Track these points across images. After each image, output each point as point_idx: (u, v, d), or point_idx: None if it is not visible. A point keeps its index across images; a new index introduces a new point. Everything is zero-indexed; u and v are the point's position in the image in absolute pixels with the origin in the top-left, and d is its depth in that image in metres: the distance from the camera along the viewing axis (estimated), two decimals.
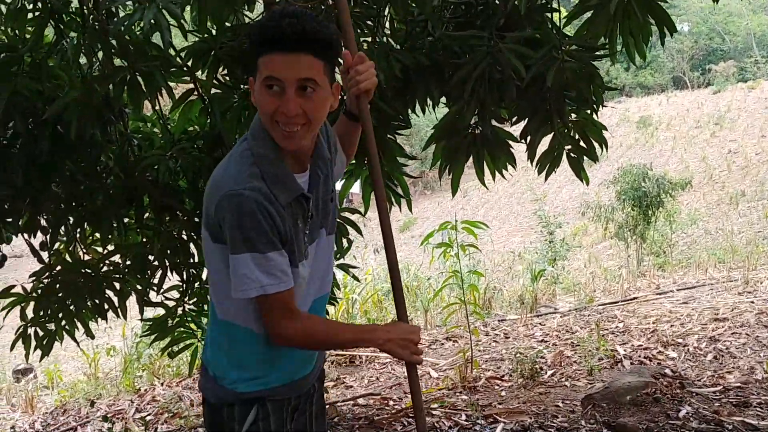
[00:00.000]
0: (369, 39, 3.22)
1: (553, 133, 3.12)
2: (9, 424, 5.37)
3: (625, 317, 6.82)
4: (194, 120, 3.34)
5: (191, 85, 3.13)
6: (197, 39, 3.05)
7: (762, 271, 8.80)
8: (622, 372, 4.90)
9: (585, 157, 3.21)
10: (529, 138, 3.14)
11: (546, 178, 3.36)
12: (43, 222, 3.49)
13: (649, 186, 12.67)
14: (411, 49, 3.06)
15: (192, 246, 3.50)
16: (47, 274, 3.49)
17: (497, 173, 3.23)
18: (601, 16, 2.78)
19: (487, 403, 4.55)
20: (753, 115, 30.68)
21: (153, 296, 3.62)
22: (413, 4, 3.12)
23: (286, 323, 1.63)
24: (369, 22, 3.25)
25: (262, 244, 1.54)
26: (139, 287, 3.57)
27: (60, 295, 3.46)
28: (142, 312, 3.68)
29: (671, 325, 6.24)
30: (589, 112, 3.14)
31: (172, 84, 3.01)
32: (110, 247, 3.62)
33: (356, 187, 3.55)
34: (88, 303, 3.48)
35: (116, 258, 3.60)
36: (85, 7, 3.06)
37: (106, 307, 3.52)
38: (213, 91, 3.13)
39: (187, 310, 3.63)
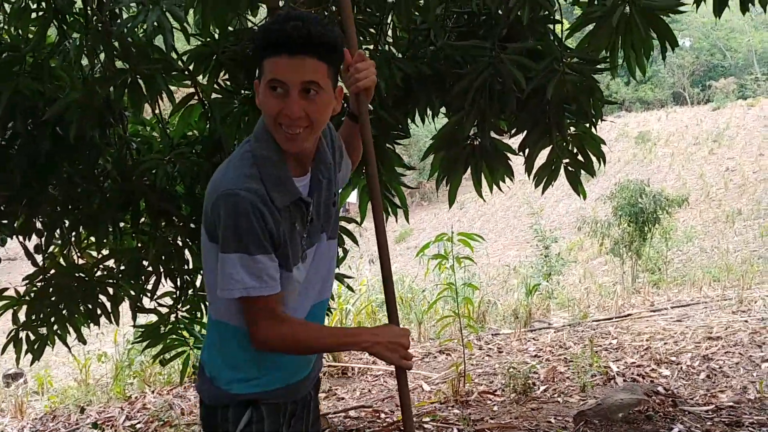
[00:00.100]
0: (371, 47, 3.22)
1: (551, 147, 3.11)
2: None
3: (618, 334, 6.80)
4: (194, 125, 3.34)
5: (191, 89, 3.12)
6: (199, 43, 3.05)
7: (756, 290, 8.78)
8: (614, 389, 4.88)
9: (582, 172, 3.21)
10: (527, 150, 3.13)
11: (543, 192, 3.35)
12: (39, 224, 3.47)
13: (645, 202, 12.66)
14: (413, 58, 3.07)
15: (187, 252, 3.48)
16: (41, 277, 3.47)
17: (494, 186, 3.23)
18: (604, 28, 2.77)
19: (479, 417, 4.52)
20: (751, 133, 30.67)
21: (146, 302, 3.60)
22: (416, 13, 3.12)
23: (267, 327, 1.61)
24: (371, 30, 3.25)
25: (253, 245, 1.54)
26: (132, 293, 3.55)
27: (53, 299, 3.44)
28: (134, 318, 3.66)
29: (665, 343, 6.22)
30: (588, 125, 3.14)
31: (172, 88, 3.01)
32: (105, 252, 3.59)
33: (353, 197, 3.54)
34: (81, 308, 3.46)
35: (110, 263, 3.58)
36: (88, 8, 3.06)
37: (99, 312, 3.50)
38: (213, 95, 3.12)
39: (180, 317, 3.60)
